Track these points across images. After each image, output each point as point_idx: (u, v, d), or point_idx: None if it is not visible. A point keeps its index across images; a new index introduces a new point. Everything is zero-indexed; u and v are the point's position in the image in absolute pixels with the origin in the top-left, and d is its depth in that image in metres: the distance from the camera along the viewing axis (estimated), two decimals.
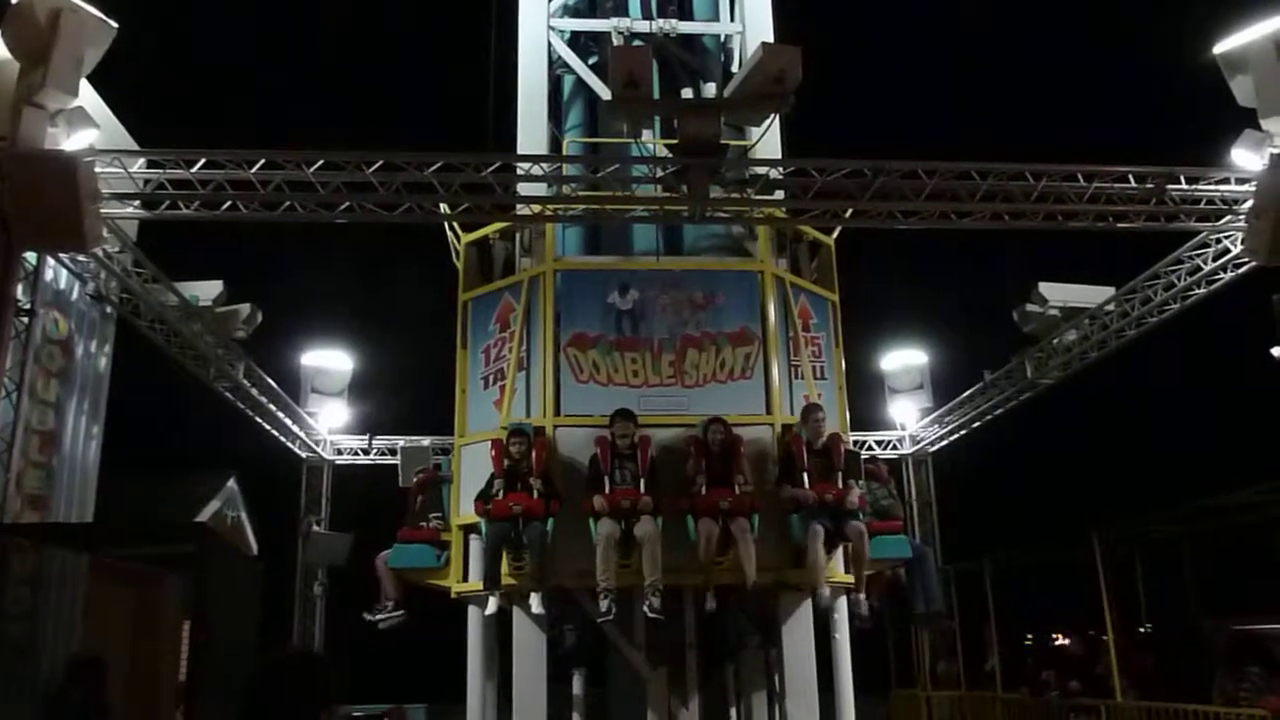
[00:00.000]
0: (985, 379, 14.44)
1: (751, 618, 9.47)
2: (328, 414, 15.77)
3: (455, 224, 10.15)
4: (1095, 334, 12.07)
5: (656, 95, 9.15)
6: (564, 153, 10.71)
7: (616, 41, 10.95)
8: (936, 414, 16.03)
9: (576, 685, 9.54)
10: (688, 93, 10.97)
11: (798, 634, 9.17)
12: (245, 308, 12.43)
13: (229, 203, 8.17)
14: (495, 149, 10.72)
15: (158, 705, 7.02)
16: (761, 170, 8.74)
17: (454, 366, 10.24)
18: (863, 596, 9.00)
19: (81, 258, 9.77)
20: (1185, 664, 11.48)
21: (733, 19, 11.72)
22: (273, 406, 14.28)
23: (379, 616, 9.93)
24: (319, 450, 16.25)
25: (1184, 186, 8.64)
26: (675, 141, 8.40)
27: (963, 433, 15.90)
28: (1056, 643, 17.81)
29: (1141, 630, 14.07)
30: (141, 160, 8.14)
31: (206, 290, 11.91)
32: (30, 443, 9.36)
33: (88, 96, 8.34)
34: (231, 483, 17.97)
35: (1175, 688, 10.89)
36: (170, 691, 7.01)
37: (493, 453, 8.83)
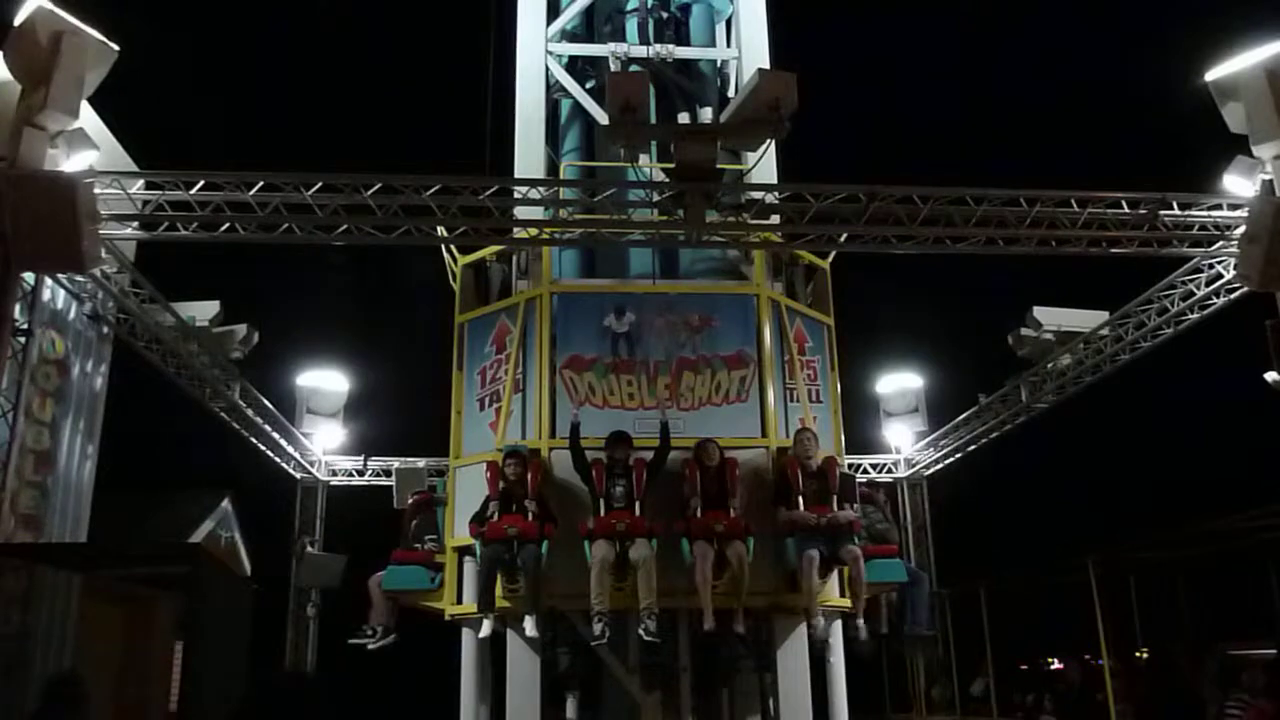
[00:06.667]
0: (980, 402, 14.48)
1: (745, 641, 9.44)
2: (323, 435, 15.79)
3: (452, 246, 10.19)
4: (1090, 358, 12.12)
5: (653, 120, 9.21)
6: (561, 176, 10.77)
7: (614, 66, 11.04)
8: (931, 437, 16.04)
9: (570, 708, 9.48)
10: (684, 118, 11.04)
11: (792, 658, 9.15)
12: (241, 328, 12.44)
13: (227, 224, 8.21)
14: (493, 172, 10.77)
15: None
16: (757, 195, 8.79)
17: (450, 388, 10.25)
18: (861, 621, 8.96)
19: (79, 277, 9.78)
20: (1180, 689, 11.43)
21: (729, 44, 11.85)
22: (268, 427, 14.29)
23: (364, 640, 9.89)
24: (314, 471, 16.23)
25: (1177, 212, 8.69)
26: (672, 166, 8.47)
27: (958, 456, 15.90)
28: (1052, 667, 17.75)
29: (1138, 655, 14.03)
30: (140, 182, 8.19)
31: (203, 310, 11.93)
32: (25, 462, 9.33)
33: (88, 118, 8.39)
34: (226, 503, 17.91)
35: (1171, 713, 10.84)
36: (161, 713, 6.98)
37: (488, 474, 8.83)
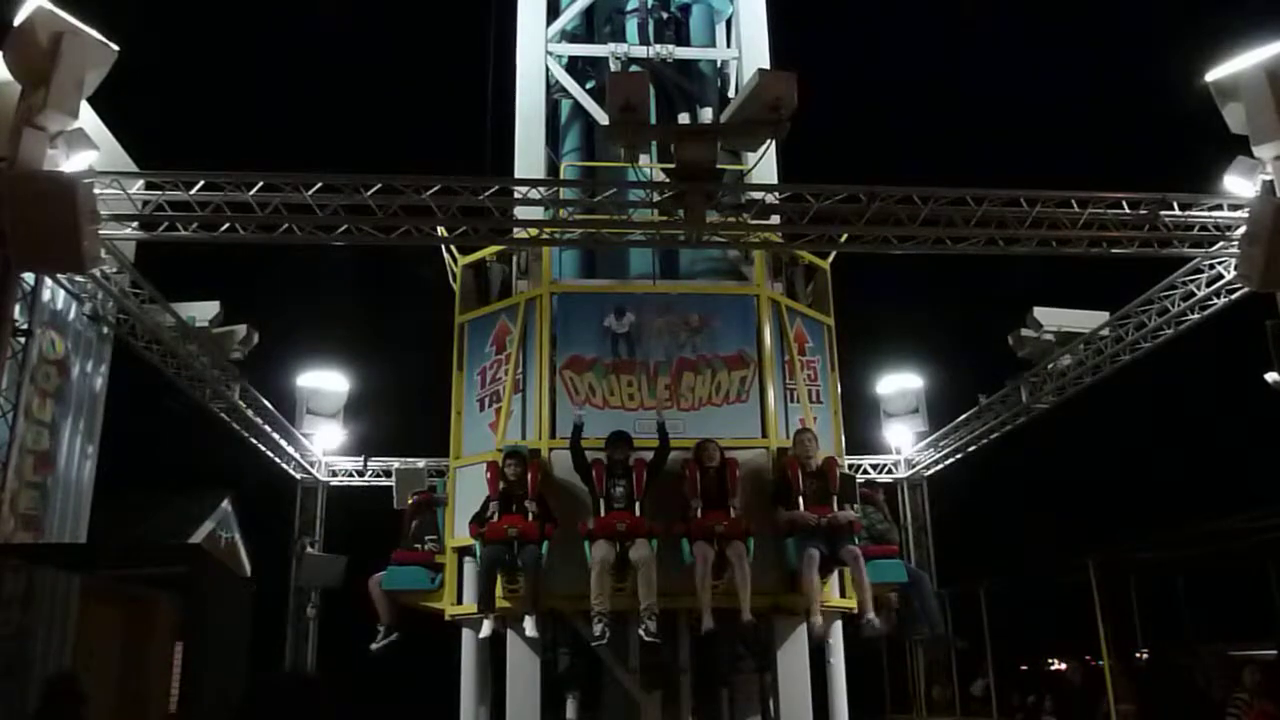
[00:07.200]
0: (980, 403, 14.47)
1: (746, 641, 9.43)
2: (323, 435, 15.79)
3: (452, 246, 10.19)
4: (1090, 359, 12.12)
5: (653, 120, 9.21)
6: (561, 176, 10.76)
7: (614, 67, 11.03)
8: (932, 438, 16.04)
9: (570, 709, 9.48)
10: (684, 118, 11.04)
11: (793, 658, 9.14)
12: (241, 329, 12.45)
13: (227, 224, 8.21)
14: (493, 172, 10.77)
15: None
16: (757, 195, 8.79)
17: (450, 388, 10.24)
18: (871, 615, 8.83)
19: (79, 278, 9.78)
20: (1180, 689, 11.44)
21: (729, 45, 11.84)
22: (268, 427, 14.29)
23: (382, 644, 9.85)
24: (314, 471, 16.23)
25: (1177, 213, 8.69)
26: (672, 166, 8.46)
27: (958, 456, 15.90)
28: (1053, 668, 17.75)
29: (1138, 655, 14.04)
30: (140, 182, 8.18)
31: (203, 311, 11.94)
32: (25, 463, 9.34)
33: (87, 118, 8.38)
34: (226, 504, 17.88)
35: (1171, 713, 10.86)
36: (161, 713, 6.97)
37: (488, 475, 8.82)
